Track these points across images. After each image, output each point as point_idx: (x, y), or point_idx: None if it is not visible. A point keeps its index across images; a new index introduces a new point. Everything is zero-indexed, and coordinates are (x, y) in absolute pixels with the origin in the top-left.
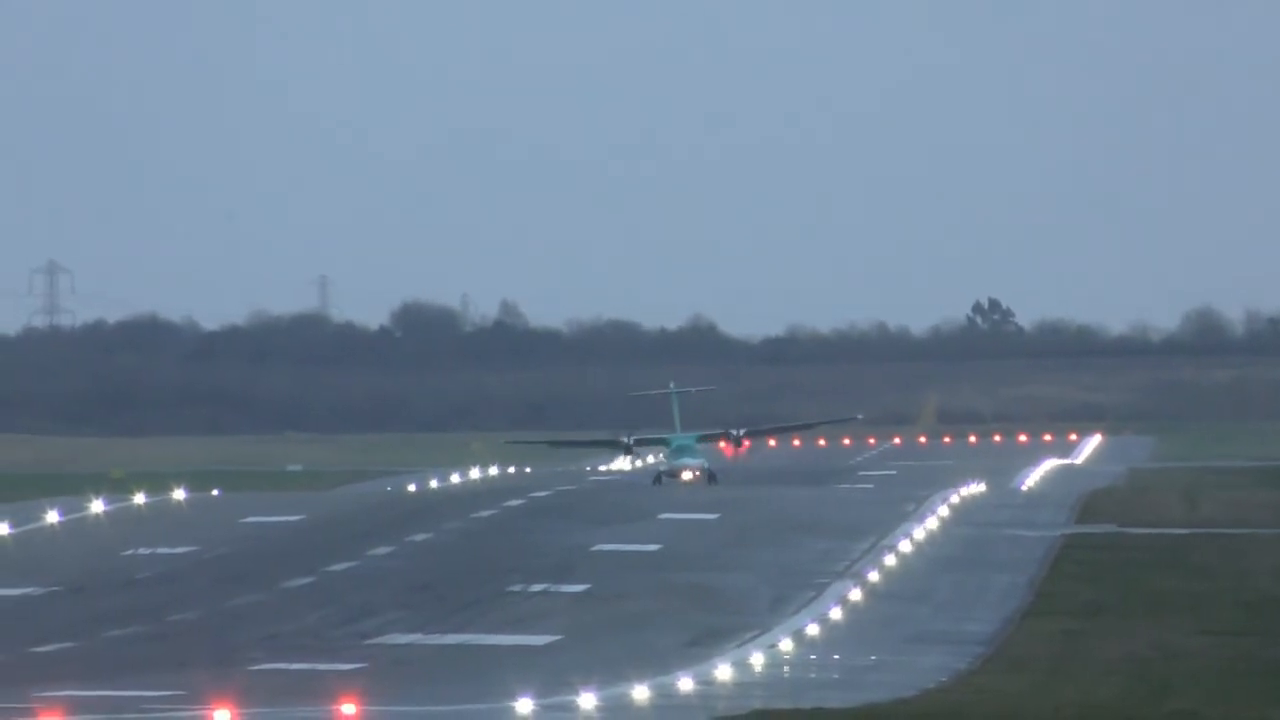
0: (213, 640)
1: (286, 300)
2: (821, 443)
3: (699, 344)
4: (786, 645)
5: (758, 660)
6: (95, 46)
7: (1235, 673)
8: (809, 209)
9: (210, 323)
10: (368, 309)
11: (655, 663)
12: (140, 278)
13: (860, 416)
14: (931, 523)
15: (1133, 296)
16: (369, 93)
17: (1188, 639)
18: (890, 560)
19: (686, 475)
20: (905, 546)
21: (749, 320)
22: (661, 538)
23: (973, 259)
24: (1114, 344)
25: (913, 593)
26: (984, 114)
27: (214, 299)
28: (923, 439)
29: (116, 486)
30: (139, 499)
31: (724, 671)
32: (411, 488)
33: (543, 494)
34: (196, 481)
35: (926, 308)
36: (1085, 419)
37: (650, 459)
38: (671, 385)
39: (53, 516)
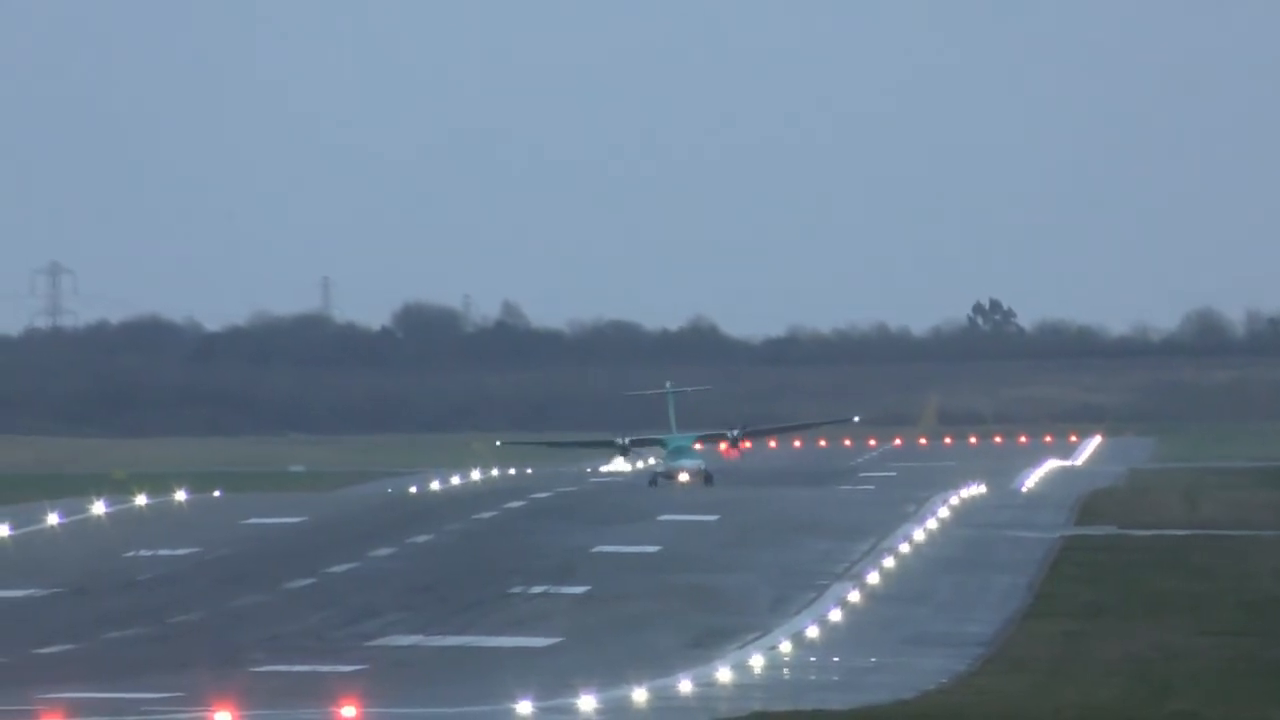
0: (214, 642)
1: (288, 301)
2: (822, 444)
3: (700, 344)
4: (786, 647)
5: (758, 662)
6: (95, 46)
7: (1236, 673)
8: (809, 209)
9: (212, 323)
10: (369, 310)
11: (656, 664)
12: (142, 278)
13: (857, 418)
14: (932, 524)
15: (1133, 297)
16: (369, 93)
17: (1188, 640)
18: (890, 561)
19: (683, 477)
20: (905, 548)
21: (750, 321)
22: (662, 539)
23: (973, 259)
24: (1114, 344)
25: (913, 594)
26: (984, 114)
27: (216, 300)
28: (923, 440)
29: (118, 487)
30: (140, 500)
31: (724, 673)
32: (413, 489)
33: (543, 495)
34: (198, 482)
35: (927, 308)
36: (1086, 420)
37: (651, 460)
38: (668, 385)
39: (54, 518)
